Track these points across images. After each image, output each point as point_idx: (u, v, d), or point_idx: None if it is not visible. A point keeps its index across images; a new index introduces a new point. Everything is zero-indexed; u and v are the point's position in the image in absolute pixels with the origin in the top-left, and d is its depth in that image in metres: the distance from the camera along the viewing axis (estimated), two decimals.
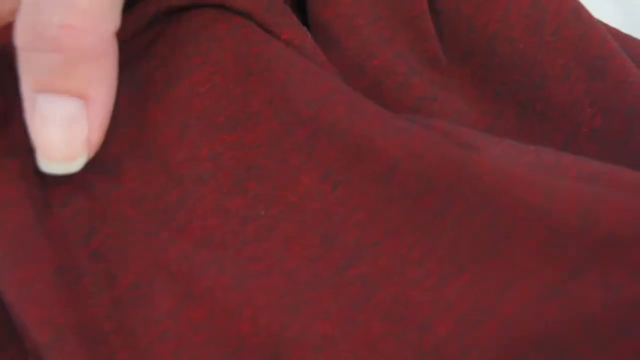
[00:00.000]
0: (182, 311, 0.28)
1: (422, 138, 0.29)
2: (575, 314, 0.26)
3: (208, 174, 0.29)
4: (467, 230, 0.28)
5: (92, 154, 0.28)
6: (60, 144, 0.27)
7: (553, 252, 0.27)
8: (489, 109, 0.34)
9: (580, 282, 0.27)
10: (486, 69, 0.34)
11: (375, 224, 0.28)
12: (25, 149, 0.29)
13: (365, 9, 0.33)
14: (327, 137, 0.29)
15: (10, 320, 0.29)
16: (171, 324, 0.28)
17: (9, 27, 0.29)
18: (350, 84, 0.32)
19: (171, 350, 0.27)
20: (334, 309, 0.27)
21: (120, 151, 0.30)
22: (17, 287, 0.28)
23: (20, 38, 0.27)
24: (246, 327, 0.27)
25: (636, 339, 0.26)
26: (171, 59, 0.31)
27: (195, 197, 0.29)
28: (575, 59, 0.33)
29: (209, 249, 0.29)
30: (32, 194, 0.29)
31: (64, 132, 0.27)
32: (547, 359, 0.26)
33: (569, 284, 0.26)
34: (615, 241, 0.26)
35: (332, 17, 0.33)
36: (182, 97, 0.30)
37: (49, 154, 0.27)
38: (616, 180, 0.27)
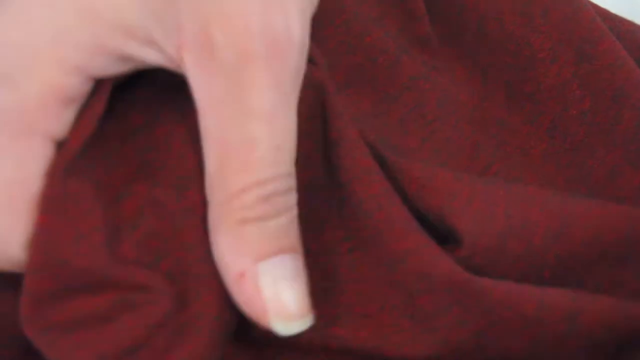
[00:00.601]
0: None
1: None
2: None
3: None
4: None
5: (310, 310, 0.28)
6: (297, 301, 0.27)
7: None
8: (478, 90, 0.34)
9: None
10: (476, 50, 0.34)
11: None
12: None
13: None
14: None
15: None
16: None
17: None
18: (343, 61, 0.32)
19: None
20: None
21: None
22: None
23: (241, 213, 0.27)
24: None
25: None
26: None
27: None
28: (563, 42, 0.33)
29: None
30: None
31: (297, 288, 0.27)
32: None
33: None
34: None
35: None
36: None
37: (288, 315, 0.27)
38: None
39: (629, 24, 0.36)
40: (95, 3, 0.26)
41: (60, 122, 0.28)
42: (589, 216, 0.30)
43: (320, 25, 0.33)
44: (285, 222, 0.27)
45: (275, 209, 0.27)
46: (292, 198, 0.27)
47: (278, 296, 0.27)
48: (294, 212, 0.27)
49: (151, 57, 0.27)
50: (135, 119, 0.29)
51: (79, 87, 0.27)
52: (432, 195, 0.29)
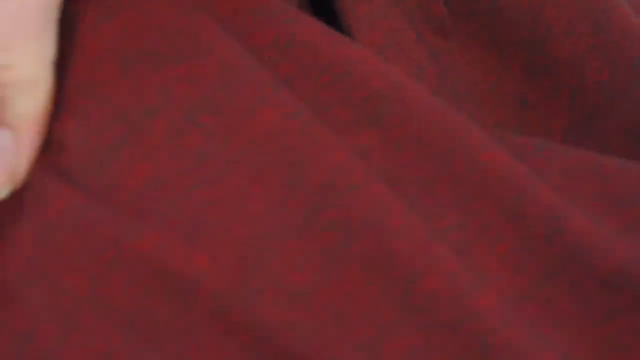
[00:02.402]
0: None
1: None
2: (549, 316, 0.26)
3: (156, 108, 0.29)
4: (444, 224, 0.27)
5: (18, 186, 0.28)
6: None
7: (523, 260, 0.27)
8: (494, 67, 0.33)
9: (551, 289, 0.26)
10: (491, 26, 0.33)
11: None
12: None
13: None
14: (296, 65, 0.29)
15: None
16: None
17: None
18: (366, 44, 0.32)
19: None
20: (308, 260, 0.26)
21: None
22: None
23: None
24: (204, 274, 0.26)
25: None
26: None
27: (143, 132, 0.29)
28: (579, 13, 0.33)
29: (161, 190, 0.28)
30: None
31: None
32: None
33: (539, 291, 0.27)
34: (582, 252, 0.27)
35: None
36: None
37: None
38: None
39: None
40: None
41: None
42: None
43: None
44: (3, 97, 0.28)
45: None
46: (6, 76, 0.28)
47: None
48: (23, 91, 0.28)
49: None
50: None
51: None
52: None
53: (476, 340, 0.25)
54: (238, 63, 0.28)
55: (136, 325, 0.26)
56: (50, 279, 0.27)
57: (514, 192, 0.27)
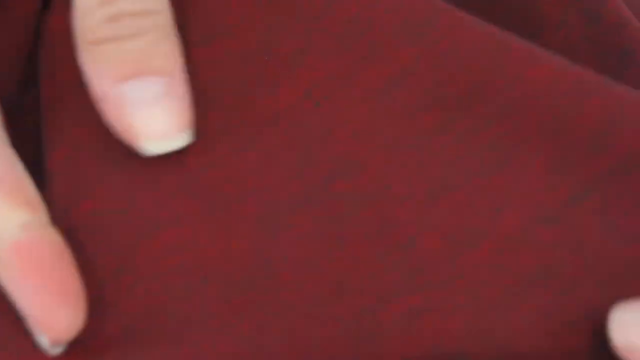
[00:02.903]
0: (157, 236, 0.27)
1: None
2: (574, 243, 0.26)
3: None
4: (479, 142, 0.27)
5: (192, 126, 0.28)
6: (159, 121, 0.27)
7: (557, 175, 0.26)
8: None
9: (580, 209, 0.25)
10: (487, 13, 0.34)
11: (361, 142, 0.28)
12: None
13: None
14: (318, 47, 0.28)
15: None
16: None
17: None
18: None
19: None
20: (314, 230, 0.27)
21: None
22: None
23: (91, 34, 0.27)
24: (215, 253, 0.26)
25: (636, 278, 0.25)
26: None
27: None
28: (572, 5, 0.33)
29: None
30: None
31: (160, 109, 0.27)
32: (546, 292, 0.25)
33: (569, 210, 0.26)
34: (620, 171, 0.26)
35: None
36: None
37: (151, 134, 0.27)
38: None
39: None
40: None
41: None
42: None
43: None
44: (143, 44, 0.27)
45: (128, 31, 0.27)
46: (149, 21, 0.27)
47: (140, 118, 0.27)
48: (155, 35, 0.27)
49: None
50: None
51: None
52: None
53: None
54: None
55: None
56: None
57: (556, 107, 0.27)
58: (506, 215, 0.26)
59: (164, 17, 0.28)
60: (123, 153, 0.28)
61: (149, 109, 0.27)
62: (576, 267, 0.26)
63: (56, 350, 0.26)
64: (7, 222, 0.26)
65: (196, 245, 0.26)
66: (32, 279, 0.25)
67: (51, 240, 0.26)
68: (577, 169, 0.26)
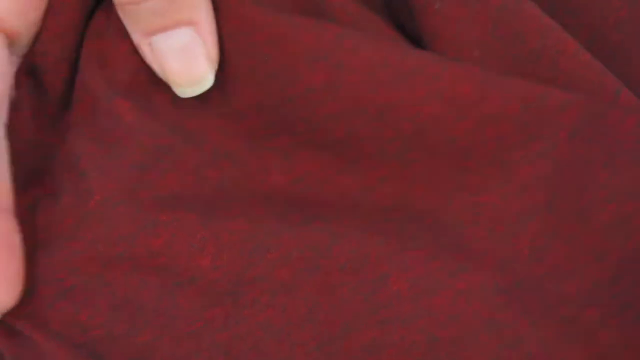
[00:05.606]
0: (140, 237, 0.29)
1: None
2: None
3: None
4: None
5: (216, 67, 0.30)
6: (187, 69, 0.30)
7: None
8: None
9: None
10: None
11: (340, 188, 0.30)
12: None
13: None
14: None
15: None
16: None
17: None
18: None
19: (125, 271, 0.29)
20: (295, 257, 0.29)
21: None
22: None
23: None
24: (206, 262, 0.28)
25: None
26: None
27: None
28: None
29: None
30: None
31: (187, 58, 0.30)
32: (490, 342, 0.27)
33: None
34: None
35: None
36: None
37: (182, 81, 0.30)
38: None
39: None
40: None
41: None
42: None
43: None
44: (166, 1, 0.29)
45: None
46: None
47: (169, 66, 0.30)
48: None
49: None
50: None
51: None
52: None
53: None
54: None
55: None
56: None
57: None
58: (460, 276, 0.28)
59: None
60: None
61: (175, 58, 0.30)
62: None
63: None
64: None
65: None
66: None
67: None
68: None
